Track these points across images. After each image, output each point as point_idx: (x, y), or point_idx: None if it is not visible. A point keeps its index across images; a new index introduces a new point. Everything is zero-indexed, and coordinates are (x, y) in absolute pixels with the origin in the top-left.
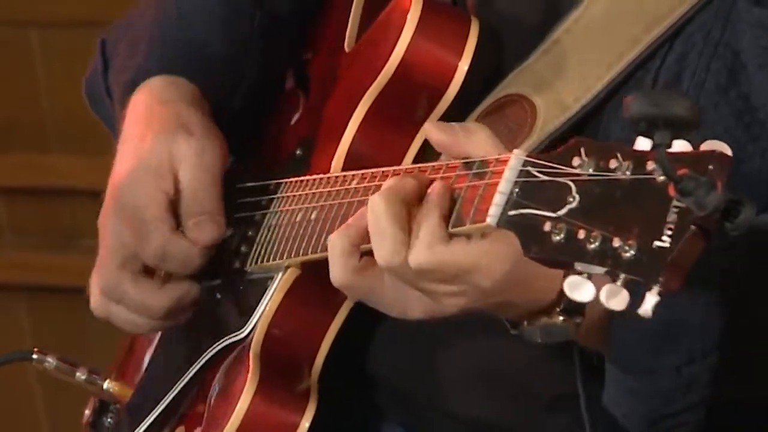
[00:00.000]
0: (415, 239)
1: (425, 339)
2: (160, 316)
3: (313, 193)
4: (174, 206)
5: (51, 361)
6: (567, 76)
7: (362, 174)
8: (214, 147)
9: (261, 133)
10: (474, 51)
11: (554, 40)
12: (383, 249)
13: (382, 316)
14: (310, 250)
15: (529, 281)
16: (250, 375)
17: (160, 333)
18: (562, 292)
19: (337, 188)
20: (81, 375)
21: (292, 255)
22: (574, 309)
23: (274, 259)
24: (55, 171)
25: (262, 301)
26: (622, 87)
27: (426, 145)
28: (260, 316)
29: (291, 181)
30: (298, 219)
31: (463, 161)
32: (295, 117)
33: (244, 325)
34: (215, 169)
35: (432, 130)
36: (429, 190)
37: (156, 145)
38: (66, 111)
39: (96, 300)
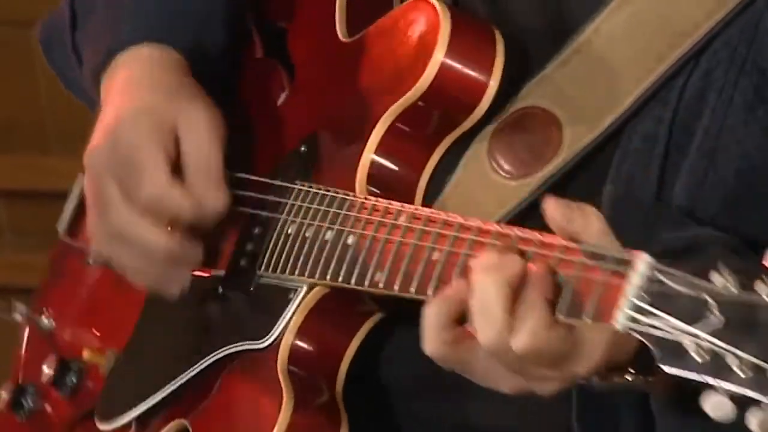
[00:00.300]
0: (521, 323)
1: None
2: (164, 259)
3: (346, 214)
4: (176, 170)
5: None
6: (590, 89)
7: (413, 213)
8: (219, 118)
9: (239, 105)
10: (502, 67)
11: (574, 50)
12: (489, 332)
13: (399, 330)
14: (351, 279)
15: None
16: (285, 398)
17: (143, 304)
18: (636, 354)
19: (380, 219)
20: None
21: (325, 277)
22: (647, 369)
23: (295, 274)
24: (55, 172)
25: (284, 313)
26: (648, 103)
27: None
28: (283, 330)
29: (308, 190)
30: (327, 237)
31: (581, 247)
32: (282, 97)
33: (265, 336)
34: (220, 140)
35: (550, 205)
36: (532, 271)
37: (161, 103)
38: (66, 112)
39: (98, 241)
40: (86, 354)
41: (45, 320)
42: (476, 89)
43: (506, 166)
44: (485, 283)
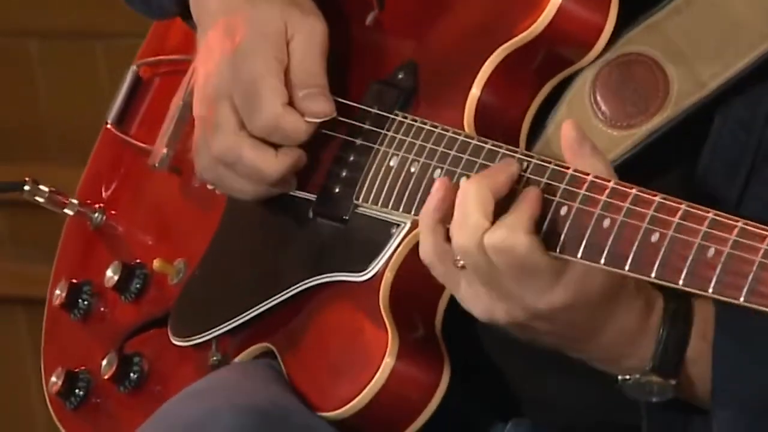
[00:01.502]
0: (500, 221)
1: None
2: (272, 183)
3: (457, 156)
4: (284, 74)
5: (44, 189)
6: (701, 46)
7: (536, 161)
8: (323, 26)
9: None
10: (617, 8)
11: (686, 1)
12: (463, 231)
13: None
14: None
15: (604, 322)
16: (390, 333)
17: (219, 215)
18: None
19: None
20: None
21: None
22: (666, 370)
23: (399, 210)
24: (55, 182)
25: (386, 248)
26: (758, 71)
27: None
28: (384, 264)
29: (411, 123)
30: (436, 176)
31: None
32: (370, 17)
33: (364, 270)
34: (324, 46)
35: (568, 126)
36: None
37: (270, 13)
38: (65, 121)
39: (206, 163)
40: (157, 264)
41: (96, 216)
42: (592, 30)
43: (608, 112)
44: (467, 186)
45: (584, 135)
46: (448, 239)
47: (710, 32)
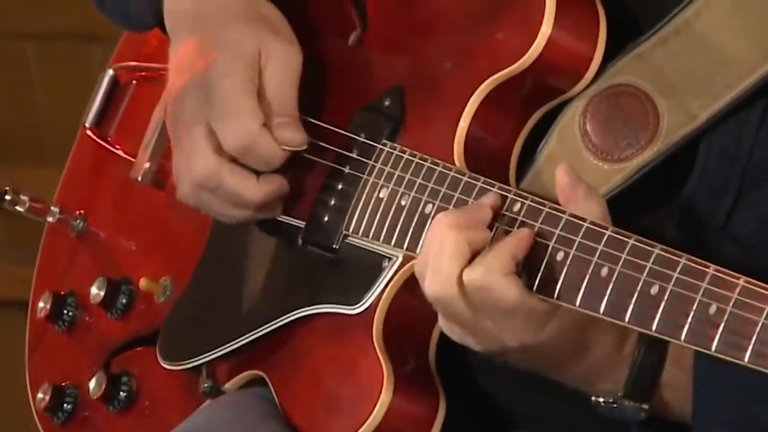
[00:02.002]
0: (479, 259)
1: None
2: (254, 208)
3: (448, 193)
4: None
5: (24, 198)
6: (690, 77)
7: (530, 203)
8: (298, 51)
9: (304, 41)
10: (605, 39)
11: (674, 31)
12: (436, 280)
13: None
14: None
15: (575, 354)
16: (384, 369)
17: (206, 234)
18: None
19: None
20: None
21: None
22: (639, 395)
23: (391, 244)
24: (52, 184)
25: (378, 281)
26: (747, 104)
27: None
28: (377, 298)
29: (400, 155)
30: (428, 212)
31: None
32: (353, 37)
33: (357, 302)
34: (298, 74)
35: (561, 171)
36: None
37: (245, 35)
38: (62, 123)
39: (188, 189)
40: (143, 283)
41: (77, 222)
42: (582, 61)
43: (599, 144)
44: (441, 233)
45: (578, 178)
46: None
47: (699, 63)
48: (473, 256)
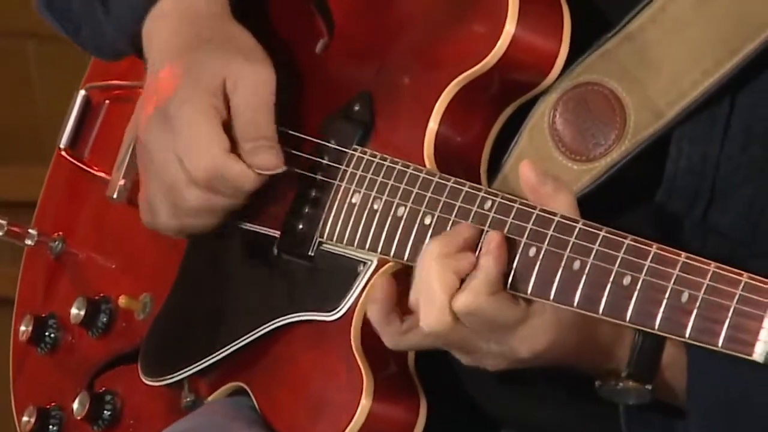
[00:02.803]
0: (464, 285)
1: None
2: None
3: (420, 193)
4: (226, 129)
5: (2, 222)
6: (655, 74)
7: (501, 200)
8: (269, 73)
9: (272, 49)
10: (570, 36)
11: (639, 27)
12: (430, 312)
13: None
14: None
15: (585, 347)
16: (364, 374)
17: (183, 249)
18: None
19: (461, 204)
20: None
21: (403, 257)
22: (642, 376)
23: (365, 248)
24: None
25: (354, 287)
26: (715, 100)
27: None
28: (354, 303)
29: (371, 159)
30: (401, 214)
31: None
32: (320, 45)
33: (334, 309)
34: (270, 96)
35: (526, 168)
36: (488, 242)
37: (209, 60)
38: (62, 123)
39: (168, 222)
40: (122, 301)
41: (56, 244)
42: (546, 59)
43: (569, 144)
44: (429, 266)
45: (543, 174)
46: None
47: (664, 60)
48: (462, 281)
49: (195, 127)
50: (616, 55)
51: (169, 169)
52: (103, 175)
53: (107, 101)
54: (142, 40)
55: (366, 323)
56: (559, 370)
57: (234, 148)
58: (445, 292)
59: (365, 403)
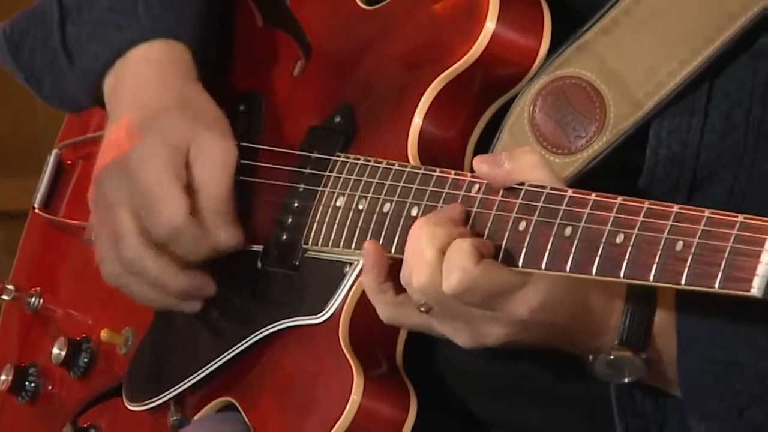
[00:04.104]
0: (449, 263)
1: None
2: (176, 296)
3: (406, 187)
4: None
5: None
6: (633, 65)
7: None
8: (232, 147)
9: (251, 77)
10: (550, 31)
11: (613, 19)
12: (422, 275)
13: None
14: None
15: (579, 312)
16: (354, 370)
17: None
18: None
19: (447, 191)
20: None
21: (390, 250)
22: (635, 342)
23: (351, 247)
24: None
25: (341, 287)
26: (693, 89)
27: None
28: (341, 303)
29: (354, 162)
30: (386, 210)
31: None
32: (298, 67)
33: (322, 310)
34: (233, 170)
35: (476, 163)
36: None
37: (175, 124)
38: None
39: (111, 269)
40: (104, 334)
41: (33, 300)
42: (527, 55)
43: (550, 138)
44: (417, 233)
45: (492, 156)
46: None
47: (641, 51)
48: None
49: (158, 186)
50: (592, 47)
51: (121, 219)
52: (78, 223)
53: (80, 159)
54: (103, 93)
55: (354, 322)
56: (556, 348)
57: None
58: (432, 246)
59: (355, 399)
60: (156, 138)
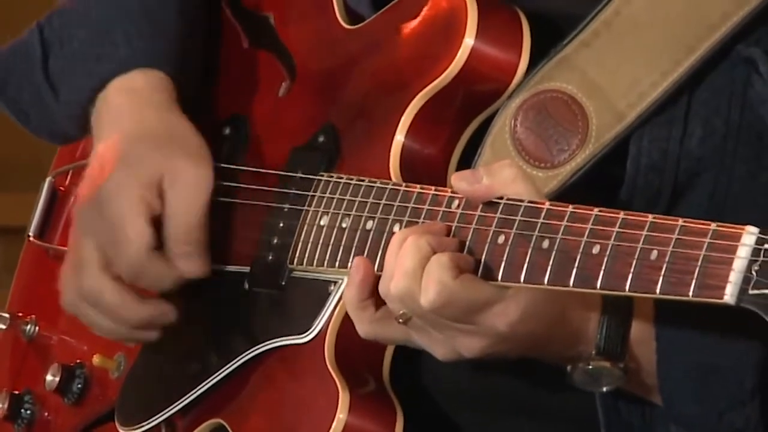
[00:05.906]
0: (428, 277)
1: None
2: (134, 328)
3: (388, 204)
4: (156, 224)
5: None
6: (614, 77)
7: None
8: (208, 174)
9: (235, 97)
10: (530, 46)
11: (594, 32)
12: (401, 282)
13: None
14: None
15: (557, 323)
16: (340, 388)
17: None
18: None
19: (428, 207)
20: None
21: (374, 266)
22: (612, 352)
23: (336, 266)
24: None
25: (326, 306)
26: (674, 99)
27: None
28: (327, 322)
29: (337, 181)
30: (369, 227)
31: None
32: (283, 87)
33: (307, 330)
34: (207, 197)
35: (455, 180)
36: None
37: (147, 155)
38: None
39: (70, 297)
40: (96, 359)
41: (29, 327)
42: (507, 70)
43: (532, 152)
44: (399, 242)
45: (471, 171)
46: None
47: (622, 62)
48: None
49: (122, 220)
50: (573, 60)
51: (85, 249)
52: None
53: (74, 186)
54: (90, 124)
55: (340, 340)
56: (534, 358)
57: (160, 245)
58: (414, 256)
59: (341, 417)
60: (128, 170)
